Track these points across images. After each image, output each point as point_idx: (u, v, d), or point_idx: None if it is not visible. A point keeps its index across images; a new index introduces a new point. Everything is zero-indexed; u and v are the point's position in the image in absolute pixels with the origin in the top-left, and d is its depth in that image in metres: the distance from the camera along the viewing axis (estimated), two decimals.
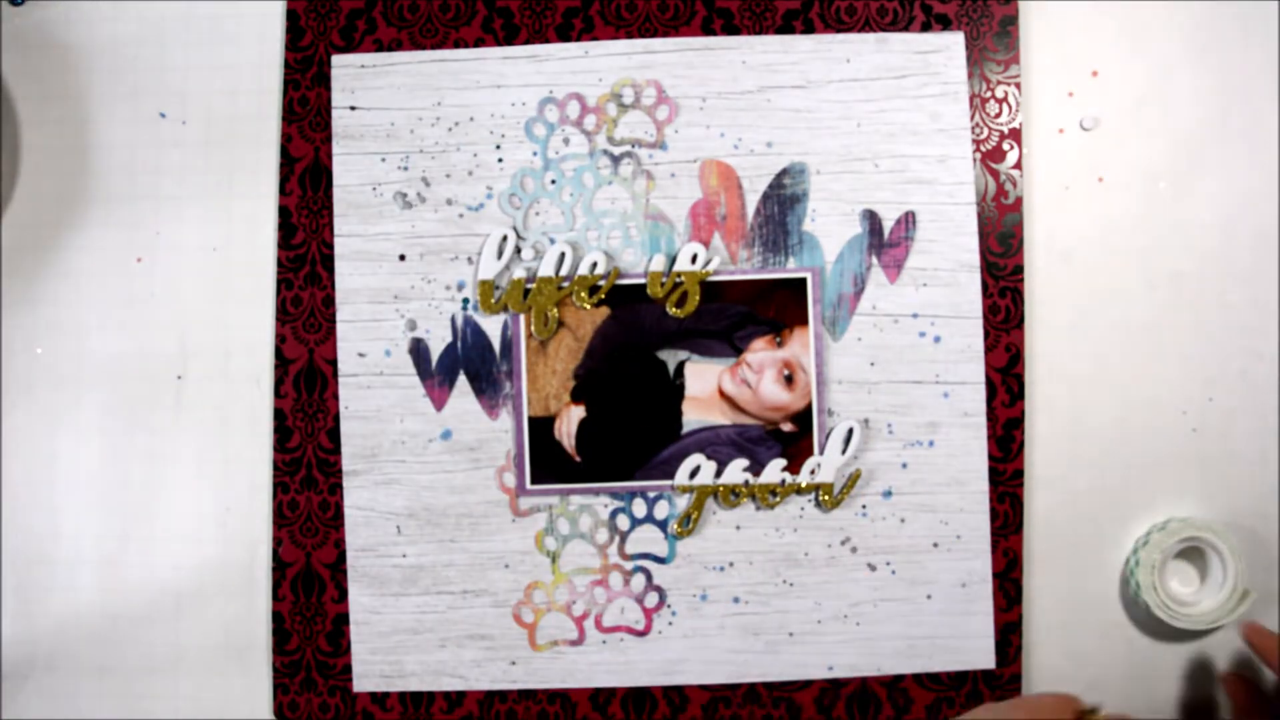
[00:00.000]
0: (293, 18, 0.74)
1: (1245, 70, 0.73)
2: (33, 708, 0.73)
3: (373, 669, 0.73)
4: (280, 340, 0.74)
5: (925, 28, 0.73)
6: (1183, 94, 0.73)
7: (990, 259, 0.72)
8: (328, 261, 0.73)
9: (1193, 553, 0.72)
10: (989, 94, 0.73)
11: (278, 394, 0.73)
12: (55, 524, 0.74)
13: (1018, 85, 0.73)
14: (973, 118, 0.72)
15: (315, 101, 0.74)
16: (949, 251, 0.72)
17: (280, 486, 0.73)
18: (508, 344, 0.73)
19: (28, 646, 0.73)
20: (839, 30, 0.73)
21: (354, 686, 0.72)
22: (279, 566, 0.73)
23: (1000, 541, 0.72)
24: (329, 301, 0.73)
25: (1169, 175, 0.73)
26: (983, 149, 0.73)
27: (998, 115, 0.73)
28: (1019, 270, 0.72)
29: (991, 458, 0.71)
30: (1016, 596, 0.72)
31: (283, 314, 0.74)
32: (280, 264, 0.74)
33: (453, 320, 0.73)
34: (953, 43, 0.73)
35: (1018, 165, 0.72)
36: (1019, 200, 0.72)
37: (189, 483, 0.74)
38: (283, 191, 0.74)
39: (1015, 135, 0.73)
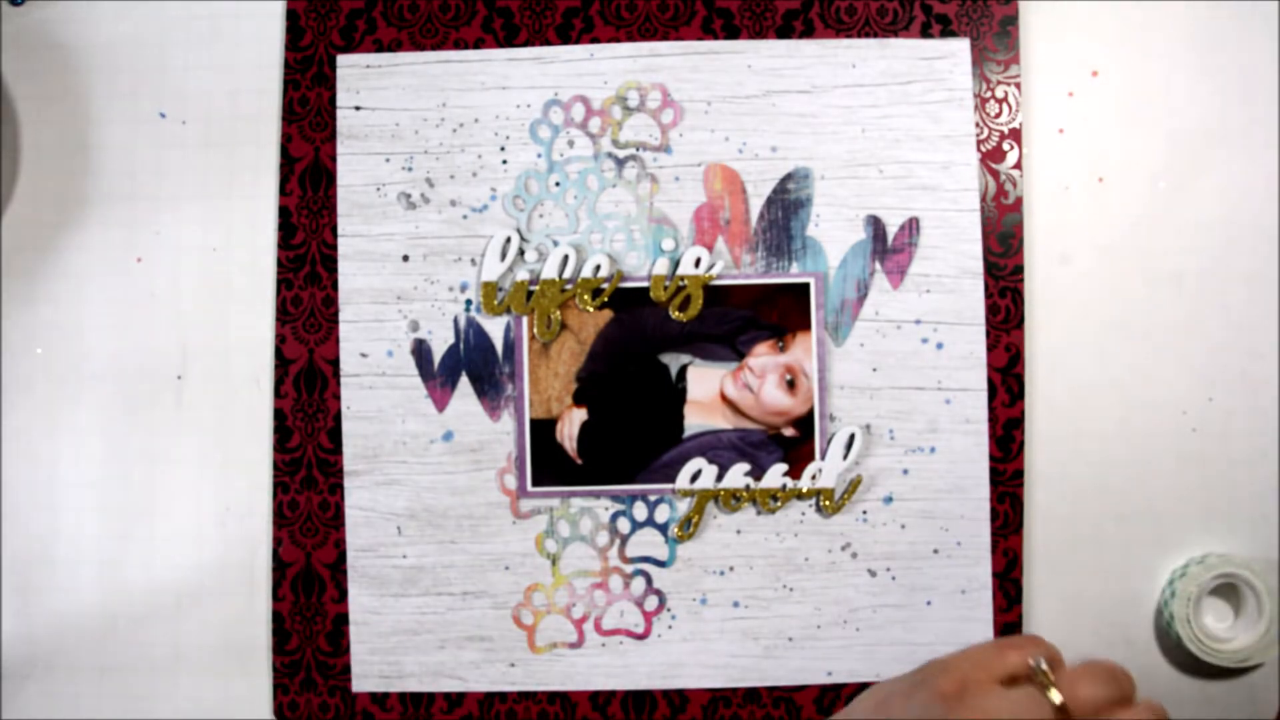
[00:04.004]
0: (293, 18, 0.74)
1: (1245, 70, 0.73)
2: (33, 708, 0.73)
3: (372, 669, 0.73)
4: (280, 340, 0.73)
5: (925, 28, 0.73)
6: (1183, 94, 0.73)
7: (990, 259, 0.72)
8: (328, 261, 0.73)
9: (1226, 588, 0.72)
10: (989, 94, 0.73)
11: (278, 394, 0.73)
12: (55, 524, 0.74)
13: (1018, 85, 0.73)
14: (974, 115, 0.73)
15: (315, 102, 0.74)
16: (952, 258, 0.72)
17: (280, 486, 0.73)
18: (510, 346, 0.73)
19: (28, 646, 0.73)
20: (839, 30, 0.73)
21: (353, 686, 0.73)
22: (279, 566, 0.73)
23: (1000, 542, 0.72)
24: (329, 301, 0.73)
25: (1169, 175, 0.73)
26: (983, 149, 0.72)
27: (998, 115, 0.73)
28: (1019, 270, 0.72)
29: (992, 458, 0.72)
30: (1016, 597, 0.72)
31: (283, 314, 0.73)
32: (280, 264, 0.73)
33: (455, 321, 0.73)
34: (958, 49, 0.73)
35: (1018, 165, 0.72)
36: (1019, 200, 0.72)
37: (189, 483, 0.74)
38: (283, 191, 0.73)
39: (1015, 135, 0.72)
